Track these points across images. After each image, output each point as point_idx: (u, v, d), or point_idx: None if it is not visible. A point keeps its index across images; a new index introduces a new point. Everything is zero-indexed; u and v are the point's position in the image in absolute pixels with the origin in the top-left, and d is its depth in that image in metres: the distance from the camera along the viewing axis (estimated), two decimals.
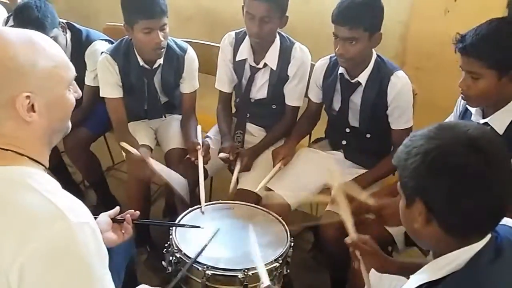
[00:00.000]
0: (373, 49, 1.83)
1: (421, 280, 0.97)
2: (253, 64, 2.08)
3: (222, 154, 1.94)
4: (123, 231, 1.38)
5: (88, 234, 0.89)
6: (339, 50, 1.74)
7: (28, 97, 0.92)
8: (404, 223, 1.03)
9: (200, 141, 1.94)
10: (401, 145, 1.00)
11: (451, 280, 0.91)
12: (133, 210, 1.42)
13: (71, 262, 0.87)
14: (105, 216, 1.36)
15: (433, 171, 0.90)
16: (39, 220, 0.86)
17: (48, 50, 0.96)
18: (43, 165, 0.99)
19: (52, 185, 0.94)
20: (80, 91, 1.07)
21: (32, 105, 0.93)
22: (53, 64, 0.96)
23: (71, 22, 2.30)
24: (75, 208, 0.91)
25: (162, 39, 1.94)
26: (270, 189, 1.90)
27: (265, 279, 1.31)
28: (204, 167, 1.88)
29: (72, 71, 1.02)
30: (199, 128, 2.05)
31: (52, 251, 0.85)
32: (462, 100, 1.65)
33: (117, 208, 1.41)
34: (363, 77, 1.83)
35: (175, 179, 1.88)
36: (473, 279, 0.90)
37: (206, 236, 1.56)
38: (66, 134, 1.08)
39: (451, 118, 1.74)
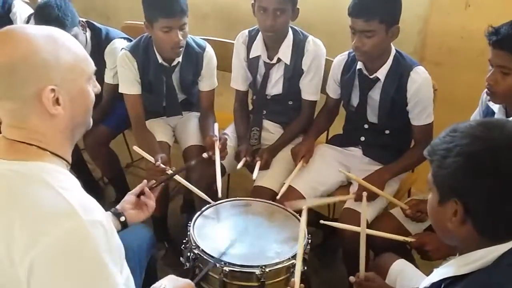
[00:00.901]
0: (392, 44, 1.80)
1: (446, 274, 0.96)
2: (267, 60, 2.08)
3: (240, 163, 1.94)
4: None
5: (99, 232, 0.90)
6: (355, 43, 1.73)
7: (53, 90, 0.94)
8: (433, 219, 1.01)
9: (217, 136, 1.94)
10: (437, 138, 0.96)
11: (475, 277, 0.90)
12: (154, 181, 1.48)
13: (80, 259, 0.88)
14: (129, 195, 1.41)
15: (479, 174, 0.87)
16: (51, 216, 0.88)
17: (68, 45, 0.99)
18: (65, 160, 1.01)
19: (69, 182, 0.96)
20: (99, 86, 1.08)
21: (57, 99, 0.95)
22: (75, 58, 0.99)
23: (91, 21, 2.32)
24: (88, 206, 0.92)
25: (181, 38, 1.94)
26: (288, 186, 1.89)
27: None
28: (221, 163, 1.89)
29: (92, 65, 1.04)
30: (216, 125, 2.05)
31: (62, 247, 0.86)
32: (485, 98, 1.62)
33: (144, 181, 1.47)
34: (382, 73, 1.81)
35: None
36: (496, 279, 0.88)
37: (223, 232, 1.57)
38: (88, 129, 1.10)
39: (476, 115, 1.71)
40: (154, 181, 1.52)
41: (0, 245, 0.88)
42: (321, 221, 1.63)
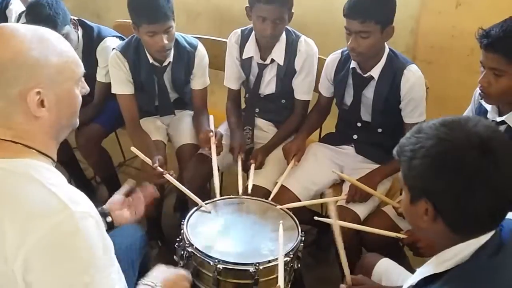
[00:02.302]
0: (385, 43, 1.81)
1: (426, 272, 0.98)
2: (260, 61, 2.08)
3: (239, 166, 1.92)
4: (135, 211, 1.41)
5: (91, 224, 0.91)
6: (351, 44, 1.73)
7: (38, 92, 0.94)
8: (407, 217, 1.03)
9: (213, 131, 1.92)
10: (403, 138, 0.98)
11: (453, 273, 0.92)
12: (150, 188, 1.45)
13: (74, 250, 0.88)
14: (117, 195, 1.37)
15: (444, 175, 0.89)
16: (41, 210, 0.88)
17: (58, 46, 0.98)
18: (51, 158, 1.01)
19: (57, 178, 0.96)
20: (88, 87, 1.08)
21: (42, 101, 0.95)
22: (64, 60, 0.98)
23: (83, 19, 2.31)
24: (78, 200, 0.92)
25: (166, 42, 1.92)
26: (281, 185, 1.90)
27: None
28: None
29: (81, 68, 1.03)
30: (211, 118, 2.04)
31: (55, 240, 0.87)
32: (477, 96, 1.63)
33: (130, 181, 1.43)
34: (375, 71, 1.82)
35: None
36: (475, 272, 0.90)
37: (217, 230, 1.57)
38: (74, 129, 1.10)
39: (468, 113, 1.72)
40: (150, 187, 1.48)
41: None
42: (315, 218, 1.64)
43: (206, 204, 1.68)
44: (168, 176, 1.80)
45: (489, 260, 0.90)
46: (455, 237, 0.93)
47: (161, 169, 1.80)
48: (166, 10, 1.88)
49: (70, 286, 0.89)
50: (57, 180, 0.95)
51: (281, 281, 1.33)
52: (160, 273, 1.18)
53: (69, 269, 0.88)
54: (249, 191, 1.81)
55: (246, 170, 1.96)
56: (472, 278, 0.89)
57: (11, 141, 0.95)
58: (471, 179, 0.87)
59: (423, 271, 0.99)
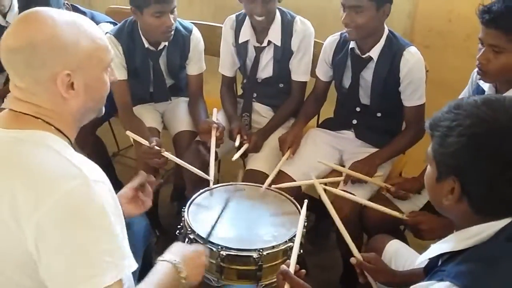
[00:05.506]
0: (385, 25, 1.79)
1: (443, 249, 0.96)
2: (257, 44, 2.05)
3: (237, 154, 1.88)
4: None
5: (105, 191, 0.92)
6: (345, 19, 1.71)
7: (69, 75, 0.96)
8: (430, 193, 1.01)
9: (215, 122, 1.90)
10: (439, 112, 0.94)
11: (472, 253, 0.90)
12: (153, 177, 1.42)
13: (90, 216, 0.88)
14: (127, 189, 1.36)
15: (481, 157, 0.86)
16: (56, 175, 0.89)
17: (89, 32, 1.00)
18: (68, 138, 1.01)
19: (72, 151, 0.97)
20: (116, 75, 1.11)
21: (72, 83, 0.97)
22: (94, 46, 1.00)
23: (76, 5, 2.25)
24: (93, 168, 0.94)
25: (172, 21, 1.90)
26: (280, 171, 1.87)
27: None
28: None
29: (110, 54, 1.05)
30: (214, 110, 2.02)
31: (70, 204, 0.87)
32: (475, 77, 1.62)
33: (142, 174, 1.39)
34: (374, 52, 1.80)
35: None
36: (494, 254, 0.88)
37: (217, 216, 1.54)
38: (99, 116, 1.12)
39: (465, 94, 1.71)
40: (151, 176, 1.43)
41: (4, 208, 0.88)
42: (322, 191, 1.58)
43: (205, 191, 1.65)
44: (166, 154, 1.79)
45: (508, 243, 0.88)
46: (475, 218, 0.91)
47: (158, 148, 1.78)
48: None
49: (86, 252, 0.88)
50: (72, 151, 0.96)
51: (293, 261, 1.28)
52: (179, 248, 1.17)
53: (86, 235, 0.88)
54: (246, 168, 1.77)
55: (243, 156, 1.94)
56: (490, 259, 0.87)
57: (32, 115, 0.97)
58: (508, 163, 0.84)
59: (440, 247, 0.97)
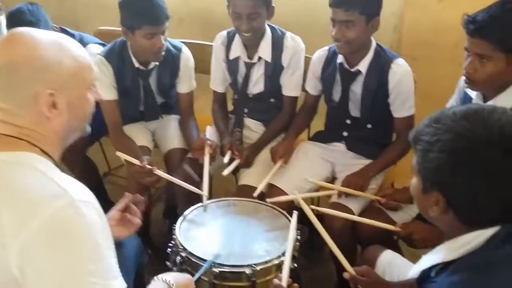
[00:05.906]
0: (372, 38, 1.81)
1: (435, 260, 0.96)
2: (247, 60, 2.07)
3: (228, 168, 1.88)
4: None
5: (92, 212, 0.90)
6: (336, 34, 1.73)
7: (51, 94, 0.95)
8: (418, 205, 1.01)
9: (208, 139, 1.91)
10: (420, 124, 0.94)
11: (463, 262, 0.90)
12: (140, 196, 1.40)
13: (76, 236, 0.86)
14: (114, 211, 1.34)
15: (460, 173, 0.86)
16: (41, 197, 0.87)
17: (72, 51, 1.00)
18: (53, 159, 1.00)
19: (58, 172, 0.95)
20: (101, 94, 1.10)
21: (54, 103, 0.96)
22: (77, 65, 1.00)
23: (64, 27, 2.27)
24: (79, 189, 0.92)
25: (163, 42, 1.92)
26: (272, 185, 1.88)
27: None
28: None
29: (94, 73, 1.05)
30: (208, 127, 2.03)
31: (56, 226, 0.85)
32: (462, 85, 1.64)
33: (127, 195, 1.39)
34: (363, 66, 1.82)
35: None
36: (483, 262, 0.88)
37: (210, 233, 1.54)
38: (84, 135, 1.11)
39: (452, 103, 1.72)
40: (138, 195, 1.42)
41: None
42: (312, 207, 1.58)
43: (196, 208, 1.64)
44: (158, 172, 1.78)
45: (499, 250, 0.88)
46: (463, 227, 0.91)
47: (150, 166, 1.77)
48: (165, 10, 1.89)
49: (73, 273, 0.86)
50: (58, 172, 0.95)
51: (285, 274, 1.28)
52: (172, 274, 1.19)
53: (71, 256, 0.86)
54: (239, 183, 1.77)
55: (235, 172, 1.93)
56: (482, 267, 0.87)
57: (16, 137, 0.96)
58: (490, 178, 0.84)
59: (433, 258, 0.97)
